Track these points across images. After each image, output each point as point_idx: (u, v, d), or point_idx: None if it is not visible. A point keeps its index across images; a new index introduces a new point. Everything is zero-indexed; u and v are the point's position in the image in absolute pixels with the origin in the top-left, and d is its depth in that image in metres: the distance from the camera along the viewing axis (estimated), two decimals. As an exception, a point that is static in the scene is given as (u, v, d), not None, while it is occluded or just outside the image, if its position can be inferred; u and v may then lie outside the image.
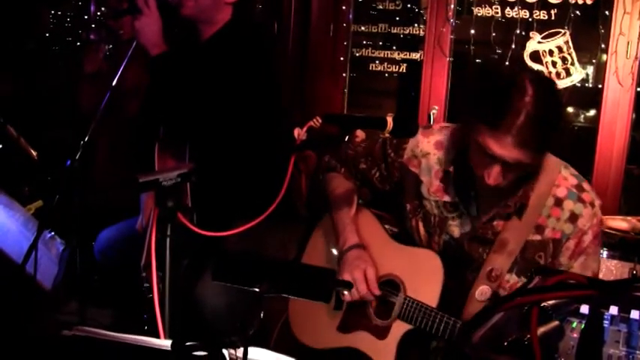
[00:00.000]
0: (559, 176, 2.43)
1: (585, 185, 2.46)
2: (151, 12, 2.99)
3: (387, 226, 2.74)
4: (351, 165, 2.80)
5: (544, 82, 2.26)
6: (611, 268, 3.68)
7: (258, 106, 3.00)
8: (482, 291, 2.47)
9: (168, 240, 2.09)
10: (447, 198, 2.55)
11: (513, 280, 2.46)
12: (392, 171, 2.69)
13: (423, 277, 2.51)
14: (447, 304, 2.46)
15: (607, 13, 4.31)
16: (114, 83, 3.01)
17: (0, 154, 4.18)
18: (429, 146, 2.61)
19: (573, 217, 2.41)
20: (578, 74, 4.44)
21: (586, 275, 2.34)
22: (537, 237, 2.43)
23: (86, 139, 2.91)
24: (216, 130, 2.95)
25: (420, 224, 2.61)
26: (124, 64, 3.02)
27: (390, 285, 2.58)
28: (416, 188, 2.62)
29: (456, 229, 2.54)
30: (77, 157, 2.87)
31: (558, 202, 2.42)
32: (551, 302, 1.62)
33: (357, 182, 2.81)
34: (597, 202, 2.44)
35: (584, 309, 1.64)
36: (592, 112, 4.55)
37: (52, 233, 3.66)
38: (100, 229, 3.55)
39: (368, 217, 2.76)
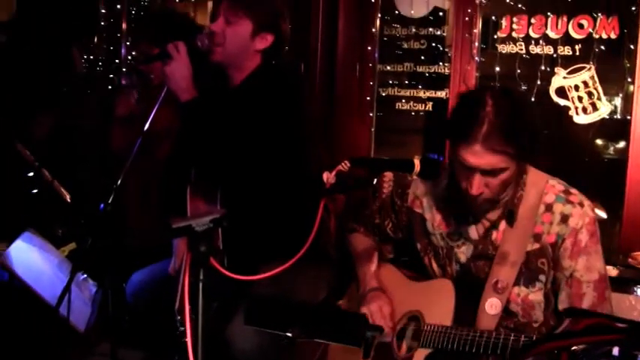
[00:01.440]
0: (547, 185, 2.59)
1: (572, 190, 2.59)
2: (181, 58, 3.03)
3: (405, 271, 2.88)
4: (368, 223, 2.99)
5: (503, 93, 2.49)
6: (643, 307, 3.65)
7: (289, 149, 3.03)
8: (491, 303, 2.56)
9: (201, 284, 2.11)
10: (448, 228, 2.71)
11: (524, 293, 2.58)
12: (401, 217, 2.87)
13: (437, 302, 2.62)
14: (460, 323, 2.55)
15: (632, 46, 4.32)
16: (146, 127, 3.06)
17: (34, 197, 4.25)
18: (426, 185, 2.80)
19: (564, 218, 2.53)
20: (605, 108, 4.44)
21: (594, 278, 2.49)
22: (536, 245, 2.55)
23: (119, 182, 2.96)
24: (248, 173, 2.98)
25: (432, 260, 2.75)
26: (155, 108, 3.07)
27: (411, 319, 2.68)
28: (422, 227, 2.79)
29: (462, 255, 2.67)
30: (110, 200, 2.91)
31: (548, 208, 2.56)
32: (581, 346, 1.63)
33: (375, 238, 2.99)
34: (586, 202, 2.56)
35: (616, 351, 1.65)
36: (621, 144, 4.54)
37: (85, 275, 3.71)
38: (132, 271, 3.58)
39: (388, 267, 2.92)
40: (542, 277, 2.56)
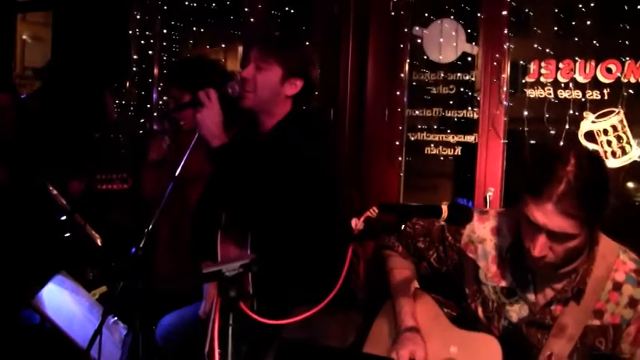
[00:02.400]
0: (617, 260, 2.42)
1: None
2: (212, 104, 3.08)
3: (446, 310, 2.74)
4: (410, 243, 2.85)
5: (588, 155, 2.32)
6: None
7: (319, 195, 3.04)
8: None
9: (230, 329, 2.13)
10: (504, 283, 2.56)
11: None
12: (450, 254, 2.74)
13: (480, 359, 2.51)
14: None
15: (660, 90, 4.34)
16: (177, 173, 3.10)
17: (67, 240, 4.31)
18: (485, 232, 2.65)
19: (633, 302, 2.38)
20: (635, 152, 4.44)
21: None
22: (597, 322, 2.41)
23: (150, 226, 3.00)
24: (278, 219, 3.00)
25: (480, 309, 2.62)
26: (186, 154, 3.11)
27: None
28: (474, 273, 2.65)
29: (514, 314, 2.54)
30: (141, 244, 2.95)
31: (617, 287, 2.40)
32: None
33: (414, 259, 2.85)
34: None
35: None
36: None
37: (116, 318, 3.73)
38: (162, 314, 3.60)
39: (427, 301, 2.78)
40: None
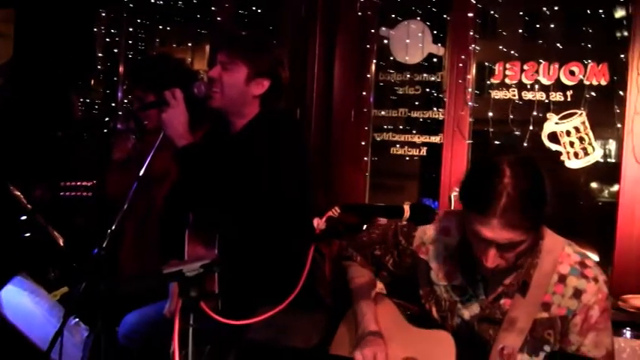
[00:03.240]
0: (562, 253, 2.47)
1: (588, 262, 2.48)
2: (178, 104, 3.06)
3: (408, 312, 2.76)
4: (367, 252, 2.86)
5: (521, 162, 2.32)
6: (635, 348, 3.65)
7: (287, 195, 3.04)
8: None
9: (191, 330, 2.12)
10: (455, 282, 2.60)
11: None
12: (404, 257, 2.76)
13: (437, 354, 2.54)
14: None
15: (621, 93, 4.39)
16: (142, 172, 3.08)
17: (27, 241, 4.26)
18: (435, 233, 2.68)
19: (577, 293, 2.43)
20: (597, 153, 4.49)
21: (601, 354, 2.43)
22: (545, 315, 2.45)
23: (114, 227, 2.97)
24: (245, 218, 2.99)
25: (434, 308, 2.65)
26: (151, 154, 3.09)
27: None
28: (427, 275, 2.67)
29: (465, 311, 2.57)
30: (104, 245, 2.93)
31: (562, 279, 2.45)
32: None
33: (373, 268, 2.87)
34: (601, 278, 2.45)
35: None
36: (614, 188, 4.58)
37: (77, 319, 3.70)
38: (125, 313, 3.57)
39: (387, 305, 2.80)
40: (547, 348, 2.47)
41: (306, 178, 3.20)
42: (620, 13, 4.49)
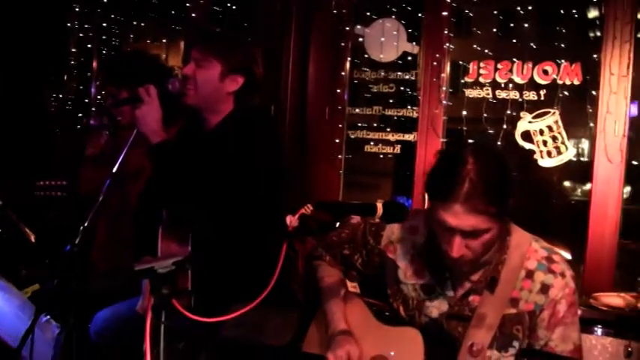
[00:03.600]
0: (529, 249, 2.49)
1: (555, 257, 2.50)
2: (152, 101, 3.06)
3: (375, 309, 2.76)
4: (336, 251, 2.87)
5: (484, 150, 2.38)
6: (606, 346, 3.67)
7: (260, 192, 3.04)
8: None
9: (162, 327, 2.11)
10: (422, 281, 2.61)
11: (495, 356, 2.48)
12: (372, 257, 2.77)
13: (405, 352, 2.55)
14: None
15: (594, 92, 4.42)
16: (115, 169, 3.07)
17: (-1, 237, 4.23)
18: (403, 232, 2.70)
19: (544, 288, 2.45)
20: (570, 152, 4.52)
21: (569, 348, 2.44)
22: (513, 310, 2.47)
23: (86, 223, 2.96)
24: (219, 216, 2.99)
25: (401, 307, 2.66)
26: (124, 150, 3.08)
27: None
28: (394, 273, 2.68)
29: (434, 309, 2.58)
30: (77, 241, 2.91)
31: (529, 274, 2.47)
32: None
33: (342, 267, 2.87)
34: (568, 273, 2.47)
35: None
36: (587, 187, 4.61)
37: (48, 317, 3.67)
38: (97, 309, 3.55)
39: (356, 304, 2.80)
40: (516, 344, 2.48)
41: (280, 176, 3.20)
42: (593, 13, 4.53)
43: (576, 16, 4.53)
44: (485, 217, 2.29)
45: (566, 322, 2.45)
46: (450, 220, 2.29)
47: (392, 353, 2.60)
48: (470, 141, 4.75)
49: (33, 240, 4.10)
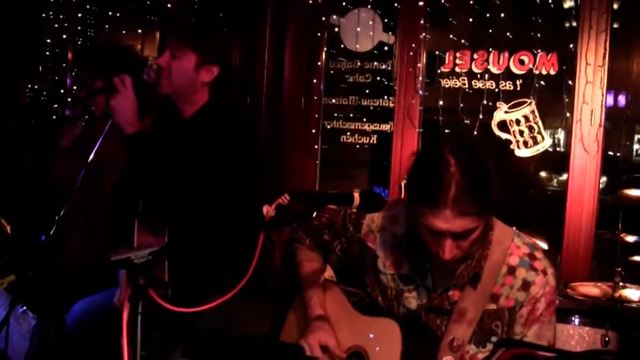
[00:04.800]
0: (512, 244, 2.48)
1: (537, 254, 2.49)
2: (127, 91, 3.04)
3: (355, 299, 2.74)
4: (316, 235, 2.84)
5: (464, 149, 2.32)
6: (583, 335, 3.70)
7: (238, 181, 3.04)
8: None
9: (139, 317, 2.10)
10: (402, 271, 2.58)
11: (473, 351, 2.47)
12: (351, 245, 2.75)
13: (382, 343, 2.53)
14: None
15: (570, 82, 4.45)
16: (89, 159, 3.06)
17: (-26, 228, 4.19)
18: (384, 221, 2.67)
19: (526, 285, 2.43)
20: (546, 142, 4.55)
21: (546, 345, 2.41)
22: (493, 306, 2.46)
23: (61, 213, 2.94)
24: (195, 206, 2.98)
25: (379, 298, 2.64)
26: (99, 141, 3.07)
27: (356, 356, 2.60)
28: (373, 263, 2.66)
29: (413, 300, 2.56)
30: (52, 232, 2.89)
31: (511, 271, 2.45)
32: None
33: (321, 252, 2.85)
34: (550, 270, 2.46)
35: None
36: (563, 177, 4.64)
37: (24, 308, 3.64)
38: (74, 301, 3.53)
39: (335, 291, 2.79)
40: (494, 339, 2.46)
41: (255, 166, 3.19)
42: (569, 3, 4.56)
43: (552, 5, 4.55)
44: (474, 217, 2.27)
45: (543, 320, 2.45)
46: (440, 225, 2.25)
47: (369, 343, 2.59)
48: (446, 131, 4.78)
49: (9, 231, 4.06)
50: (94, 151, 3.06)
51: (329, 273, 2.94)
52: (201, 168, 2.98)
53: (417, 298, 2.56)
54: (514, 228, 2.56)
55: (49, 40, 5.86)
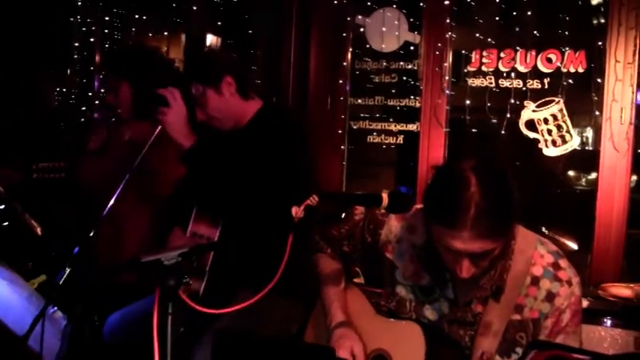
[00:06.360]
0: (535, 253, 2.41)
1: (562, 262, 2.42)
2: (178, 104, 3.08)
3: (374, 300, 2.71)
4: (336, 246, 2.82)
5: (486, 167, 2.23)
6: (615, 337, 3.65)
7: (293, 185, 3.06)
8: None
9: (169, 318, 2.11)
10: (422, 282, 2.53)
11: None
12: (370, 255, 2.70)
13: (407, 348, 2.49)
14: None
15: (599, 80, 4.41)
16: (135, 165, 3.13)
17: (5, 229, 4.22)
18: (402, 231, 2.61)
19: (550, 296, 2.38)
20: (574, 141, 4.51)
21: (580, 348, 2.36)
22: (517, 317, 2.41)
23: (104, 214, 3.03)
24: (252, 208, 3.03)
25: (397, 311, 2.59)
26: (145, 149, 3.13)
27: (377, 359, 2.59)
28: (391, 274, 2.61)
29: (434, 312, 2.52)
30: (91, 234, 2.97)
31: (535, 281, 2.40)
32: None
33: (342, 261, 2.82)
34: (575, 280, 2.40)
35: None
36: (592, 176, 4.60)
37: (55, 309, 3.67)
38: (106, 304, 3.55)
39: (356, 295, 2.77)
40: (519, 350, 2.41)
41: (306, 171, 3.22)
42: (596, 0, 4.52)
43: (580, 2, 4.51)
44: (494, 239, 2.21)
45: (568, 331, 2.40)
46: (458, 246, 2.19)
47: (392, 347, 2.55)
48: (473, 130, 4.76)
49: (39, 232, 4.09)
50: (139, 158, 3.13)
51: (359, 280, 2.93)
52: (259, 172, 3.04)
53: (439, 310, 2.51)
54: (537, 235, 2.49)
55: (76, 44, 5.91)
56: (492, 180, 2.19)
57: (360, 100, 5.16)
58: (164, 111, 3.06)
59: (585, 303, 3.75)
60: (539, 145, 4.56)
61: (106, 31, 5.96)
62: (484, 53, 4.72)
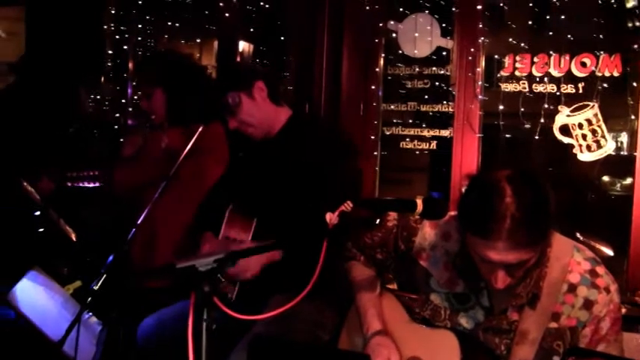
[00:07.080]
0: (572, 261, 2.39)
1: (599, 269, 2.39)
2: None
3: (413, 308, 2.68)
4: (369, 254, 2.80)
5: (521, 177, 2.20)
6: (654, 345, 3.61)
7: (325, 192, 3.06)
8: None
9: (205, 325, 2.12)
10: (457, 289, 2.51)
11: None
12: (404, 264, 2.68)
13: (442, 357, 2.47)
14: None
15: (634, 84, 4.36)
16: (171, 173, 3.20)
17: (40, 236, 4.27)
18: (436, 238, 2.59)
19: (588, 304, 2.35)
20: (609, 145, 4.46)
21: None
22: (554, 325, 2.38)
23: (140, 221, 3.08)
24: (290, 212, 3.06)
25: (431, 319, 2.57)
26: (184, 154, 3.20)
27: None
28: (425, 282, 2.59)
29: (470, 320, 2.50)
30: (128, 240, 3.01)
31: (572, 289, 2.37)
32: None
33: (376, 269, 2.81)
34: (613, 287, 2.37)
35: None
36: (628, 181, 4.55)
37: (90, 314, 3.70)
38: (141, 310, 3.57)
39: (391, 301, 2.75)
40: (556, 359, 2.38)
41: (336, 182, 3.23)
42: (631, 2, 4.47)
43: (615, 6, 4.47)
44: (530, 248, 2.19)
45: (608, 339, 2.37)
46: (493, 256, 2.18)
47: (427, 355, 2.53)
48: (506, 136, 4.73)
49: (74, 238, 4.14)
50: (176, 165, 3.20)
51: (392, 286, 2.92)
52: (292, 183, 3.11)
53: (474, 318, 2.49)
54: (573, 241, 2.46)
55: (110, 52, 5.96)
56: (528, 190, 2.17)
57: (392, 106, 5.15)
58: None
59: (622, 310, 3.70)
60: (574, 151, 4.51)
61: (139, 38, 6.01)
62: (517, 58, 4.69)
